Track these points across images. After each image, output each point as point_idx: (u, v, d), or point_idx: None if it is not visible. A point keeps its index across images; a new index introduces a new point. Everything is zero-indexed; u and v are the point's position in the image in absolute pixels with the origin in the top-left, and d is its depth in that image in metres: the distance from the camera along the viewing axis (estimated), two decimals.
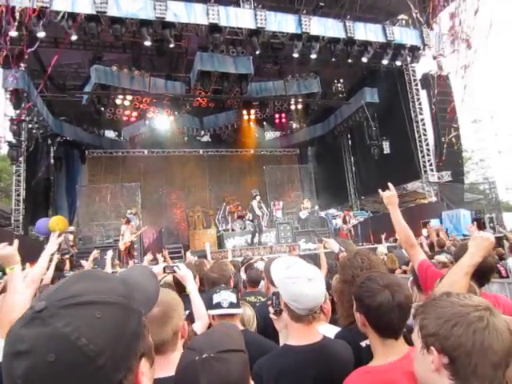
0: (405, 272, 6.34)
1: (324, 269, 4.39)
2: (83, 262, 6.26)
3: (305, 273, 1.63)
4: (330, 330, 2.02)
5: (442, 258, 4.40)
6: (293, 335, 1.68)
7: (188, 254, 8.73)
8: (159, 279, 2.79)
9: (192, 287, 2.40)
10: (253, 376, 1.43)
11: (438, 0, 12.36)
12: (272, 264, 1.87)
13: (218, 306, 2.02)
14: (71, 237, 11.76)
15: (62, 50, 12.61)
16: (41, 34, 11.42)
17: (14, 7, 10.89)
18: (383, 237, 10.96)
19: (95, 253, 5.91)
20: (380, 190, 2.49)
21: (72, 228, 12.27)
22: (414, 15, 12.77)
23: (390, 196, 2.43)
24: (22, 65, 12.59)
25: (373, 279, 1.53)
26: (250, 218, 14.19)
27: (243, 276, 4.29)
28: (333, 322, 2.25)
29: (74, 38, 11.83)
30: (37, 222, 11.07)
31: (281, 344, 1.86)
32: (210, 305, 2.07)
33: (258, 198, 13.47)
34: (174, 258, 10.73)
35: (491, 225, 12.72)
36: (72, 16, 11.39)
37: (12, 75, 12.28)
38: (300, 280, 1.59)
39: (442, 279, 1.91)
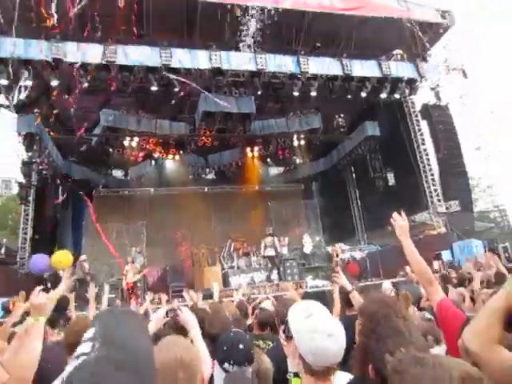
0: (420, 309, 5.26)
1: (337, 311, 4.01)
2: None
3: (325, 326, 1.52)
4: (343, 378, 1.87)
5: None
6: None
7: (191, 292, 8.18)
8: (163, 323, 2.68)
9: (195, 333, 2.28)
10: None
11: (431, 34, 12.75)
12: (290, 310, 1.73)
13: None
14: (87, 264, 11.85)
15: (72, 95, 13.39)
16: (54, 83, 12.23)
17: (31, 60, 11.78)
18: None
19: (93, 289, 5.41)
20: (392, 220, 2.33)
21: (84, 257, 12.32)
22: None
23: (403, 226, 2.30)
24: (35, 110, 13.40)
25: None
26: (267, 254, 14.21)
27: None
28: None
29: (85, 85, 12.59)
30: (33, 257, 11.04)
31: (289, 370, 1.78)
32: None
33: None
34: (179, 296, 10.49)
35: (506, 255, 12.14)
36: (84, 66, 12.20)
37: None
38: (319, 336, 1.49)
39: (467, 324, 1.72)
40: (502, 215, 16.05)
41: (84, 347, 0.67)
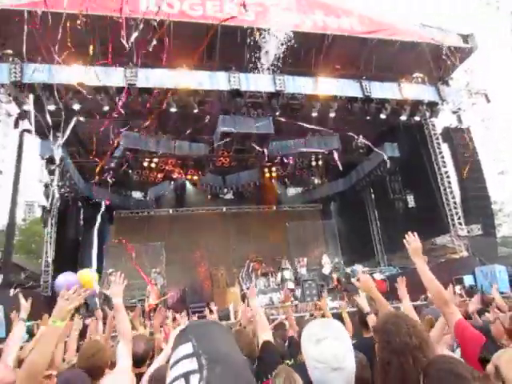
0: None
1: (349, 332, 4.11)
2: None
3: (330, 358, 1.46)
4: None
5: None
6: None
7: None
8: None
9: None
10: None
11: (453, 58, 12.67)
12: (304, 330, 1.68)
13: None
14: (112, 277, 11.97)
15: (95, 119, 13.56)
16: (76, 107, 12.43)
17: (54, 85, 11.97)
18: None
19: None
20: (405, 241, 2.39)
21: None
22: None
23: (416, 247, 2.34)
24: (57, 134, 13.58)
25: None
26: (289, 287, 14.25)
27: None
28: None
29: (106, 108, 12.75)
30: (59, 277, 11.09)
31: None
32: None
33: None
34: (199, 317, 10.53)
35: None
36: (105, 89, 12.37)
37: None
38: (323, 367, 1.45)
39: (487, 345, 1.75)
40: None
41: (187, 365, 0.63)
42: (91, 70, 12.17)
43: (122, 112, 12.88)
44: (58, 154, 13.25)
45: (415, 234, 2.41)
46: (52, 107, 12.30)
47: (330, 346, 1.49)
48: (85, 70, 12.08)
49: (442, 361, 1.54)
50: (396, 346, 1.74)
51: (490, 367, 1.73)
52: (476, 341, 1.94)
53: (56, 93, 12.13)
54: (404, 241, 2.41)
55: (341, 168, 14.85)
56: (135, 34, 11.44)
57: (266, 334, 2.72)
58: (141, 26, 11.68)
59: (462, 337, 1.99)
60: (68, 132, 13.36)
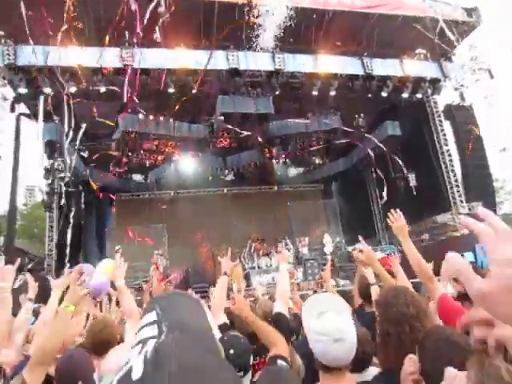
0: None
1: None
2: None
3: (333, 330, 1.50)
4: (372, 372, 1.97)
5: None
6: (321, 381, 1.61)
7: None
8: None
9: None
10: None
11: (456, 33, 12.38)
12: (305, 304, 1.75)
13: None
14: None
15: (92, 101, 13.37)
16: (72, 89, 12.23)
17: (50, 67, 11.76)
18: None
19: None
20: (389, 221, 2.40)
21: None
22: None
23: (399, 226, 2.36)
24: (55, 117, 13.43)
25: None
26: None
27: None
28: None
29: (102, 89, 12.55)
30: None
31: None
32: None
33: None
34: (202, 297, 10.69)
35: None
36: (101, 71, 12.15)
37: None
38: (325, 339, 1.49)
39: None
40: None
41: (148, 331, 0.65)
42: (86, 51, 11.96)
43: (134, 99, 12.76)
44: (56, 137, 13.20)
45: (398, 211, 2.39)
46: (48, 90, 12.12)
47: (331, 319, 1.53)
48: (80, 51, 11.87)
49: (438, 331, 1.55)
50: (393, 316, 1.78)
51: (490, 339, 1.74)
52: (459, 314, 1.96)
53: (52, 75, 11.96)
54: (388, 221, 2.40)
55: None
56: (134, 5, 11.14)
57: (281, 304, 2.68)
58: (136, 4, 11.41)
59: (445, 311, 2.02)
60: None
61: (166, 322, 0.66)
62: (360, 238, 3.25)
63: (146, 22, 11.89)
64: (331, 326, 1.51)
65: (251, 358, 1.98)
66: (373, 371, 2.05)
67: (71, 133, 13.03)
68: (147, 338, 0.63)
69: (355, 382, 1.62)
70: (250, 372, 1.92)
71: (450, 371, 0.80)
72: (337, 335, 1.48)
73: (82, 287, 2.10)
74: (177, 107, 14.19)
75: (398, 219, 2.40)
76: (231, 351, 1.84)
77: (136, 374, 0.58)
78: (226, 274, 3.20)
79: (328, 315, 1.54)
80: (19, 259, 2.30)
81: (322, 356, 1.53)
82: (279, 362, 1.98)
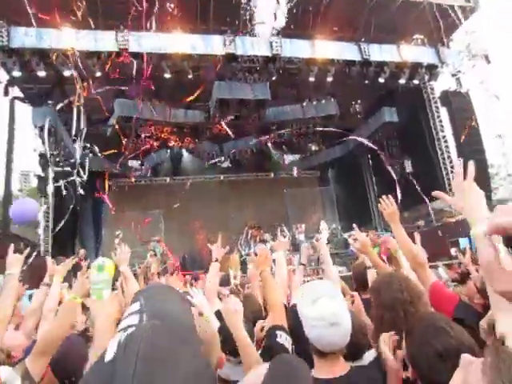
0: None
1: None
2: None
3: (328, 315, 1.52)
4: (370, 356, 1.95)
5: None
6: (316, 367, 1.61)
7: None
8: None
9: (209, 314, 2.30)
10: None
11: (454, 17, 12.33)
12: (300, 290, 1.79)
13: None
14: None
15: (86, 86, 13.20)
16: (67, 73, 12.06)
17: (44, 50, 11.58)
18: None
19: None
20: (380, 207, 2.39)
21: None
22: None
23: (390, 212, 2.34)
24: (49, 102, 13.26)
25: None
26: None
27: None
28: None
29: (98, 74, 12.40)
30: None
31: None
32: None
33: None
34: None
35: None
36: (96, 54, 12.00)
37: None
38: (321, 324, 1.51)
39: (460, 305, 1.80)
40: None
41: (131, 320, 0.69)
42: (81, 33, 11.78)
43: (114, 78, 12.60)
44: (50, 122, 13.04)
45: (390, 197, 2.38)
46: (42, 73, 11.94)
47: (325, 304, 1.55)
48: (75, 33, 11.69)
49: (426, 317, 1.56)
50: (387, 302, 1.81)
51: (483, 322, 1.76)
52: (450, 301, 1.97)
53: (46, 58, 11.78)
54: (379, 207, 2.39)
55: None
56: None
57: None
58: None
59: (437, 298, 2.01)
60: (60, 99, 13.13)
61: (148, 312, 0.70)
62: (354, 225, 3.25)
63: (142, 5, 11.79)
64: (326, 311, 1.53)
65: (254, 340, 2.01)
66: (369, 356, 2.07)
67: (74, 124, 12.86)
68: (128, 326, 0.67)
69: (350, 366, 1.63)
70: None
71: (466, 357, 0.81)
72: (332, 319, 1.50)
73: (89, 280, 2.14)
74: (172, 93, 14.11)
75: (389, 205, 2.37)
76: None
77: (108, 356, 0.62)
78: (217, 260, 3.21)
79: (322, 301, 1.56)
80: (12, 245, 2.33)
81: (317, 341, 1.55)
82: (278, 332, 2.02)
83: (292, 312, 2.17)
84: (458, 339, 1.29)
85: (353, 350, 1.73)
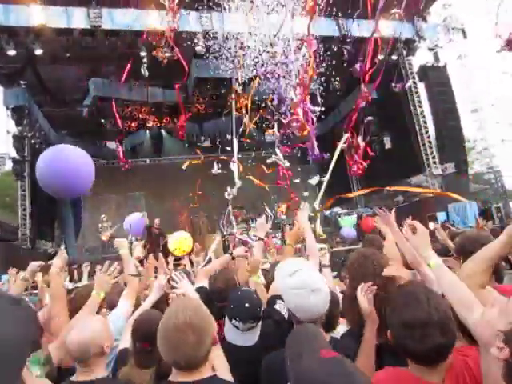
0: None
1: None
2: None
3: (308, 282, 1.60)
4: (340, 330, 2.11)
5: None
6: None
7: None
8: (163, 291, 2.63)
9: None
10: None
11: None
12: (277, 269, 1.82)
13: None
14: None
15: (60, 65, 12.85)
16: (38, 52, 11.68)
17: (13, 27, 11.18)
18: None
19: None
20: (377, 209, 2.37)
21: None
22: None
23: (384, 217, 2.30)
24: (21, 82, 12.87)
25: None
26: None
27: None
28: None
29: (67, 54, 12.09)
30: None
31: None
32: None
33: None
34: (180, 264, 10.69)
35: (499, 215, 12.48)
36: (68, 32, 11.65)
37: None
38: (303, 291, 1.58)
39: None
40: (496, 177, 16.31)
41: None
42: (51, 10, 11.38)
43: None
44: (23, 103, 12.71)
45: (385, 209, 2.33)
46: (12, 52, 11.55)
47: (305, 273, 1.65)
48: (44, 10, 11.28)
49: (409, 285, 1.60)
50: (360, 278, 1.83)
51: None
52: None
53: (15, 36, 11.40)
54: (375, 209, 2.44)
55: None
56: None
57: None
58: None
59: None
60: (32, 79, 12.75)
61: None
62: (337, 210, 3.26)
63: None
64: (307, 278, 1.61)
65: (262, 308, 2.07)
66: (341, 330, 2.15)
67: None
68: None
69: (330, 336, 1.79)
70: (260, 322, 2.02)
71: (501, 298, 0.84)
72: (314, 286, 1.58)
73: (110, 277, 2.35)
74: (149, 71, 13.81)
75: (382, 213, 2.30)
76: (246, 305, 1.94)
77: None
78: (231, 254, 3.37)
79: (302, 271, 1.65)
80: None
81: (300, 309, 1.61)
82: (278, 301, 2.20)
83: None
84: (428, 312, 1.30)
85: (326, 320, 1.80)
